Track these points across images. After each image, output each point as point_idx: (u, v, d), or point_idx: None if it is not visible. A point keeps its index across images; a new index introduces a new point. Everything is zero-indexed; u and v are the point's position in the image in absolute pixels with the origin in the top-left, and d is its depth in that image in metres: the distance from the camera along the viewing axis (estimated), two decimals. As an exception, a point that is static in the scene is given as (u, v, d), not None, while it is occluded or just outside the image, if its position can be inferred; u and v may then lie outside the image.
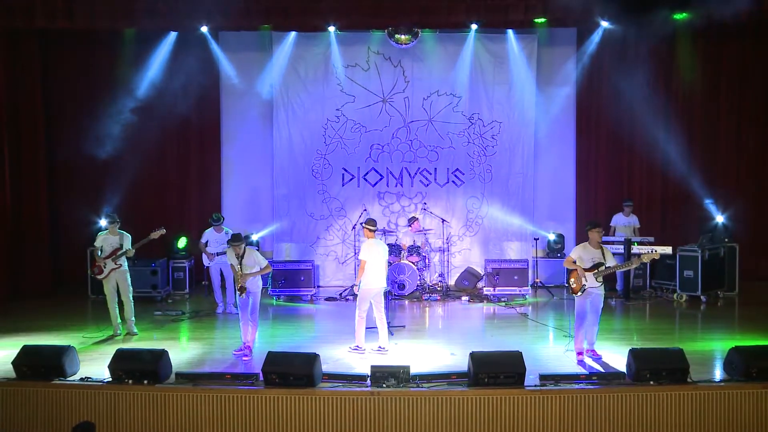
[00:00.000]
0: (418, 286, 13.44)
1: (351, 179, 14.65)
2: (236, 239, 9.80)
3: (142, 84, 13.90)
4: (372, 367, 8.34)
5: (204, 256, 12.43)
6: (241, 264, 9.74)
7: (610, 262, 9.34)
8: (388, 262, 13.03)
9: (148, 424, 8.17)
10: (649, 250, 11.50)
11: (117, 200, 13.75)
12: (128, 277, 10.95)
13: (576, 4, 12.18)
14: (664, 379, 8.22)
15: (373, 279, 9.82)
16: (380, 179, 14.65)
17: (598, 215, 13.95)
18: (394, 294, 13.13)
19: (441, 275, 14.07)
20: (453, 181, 14.65)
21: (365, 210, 14.09)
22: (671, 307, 12.74)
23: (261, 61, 14.46)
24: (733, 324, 11.88)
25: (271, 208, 14.72)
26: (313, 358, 8.34)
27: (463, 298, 13.32)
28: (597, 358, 9.37)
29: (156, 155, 14.56)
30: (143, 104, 13.91)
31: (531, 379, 8.26)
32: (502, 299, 13.02)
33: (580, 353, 9.49)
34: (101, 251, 10.84)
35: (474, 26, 13.88)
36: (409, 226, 13.85)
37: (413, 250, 13.54)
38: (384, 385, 8.16)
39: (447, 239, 14.05)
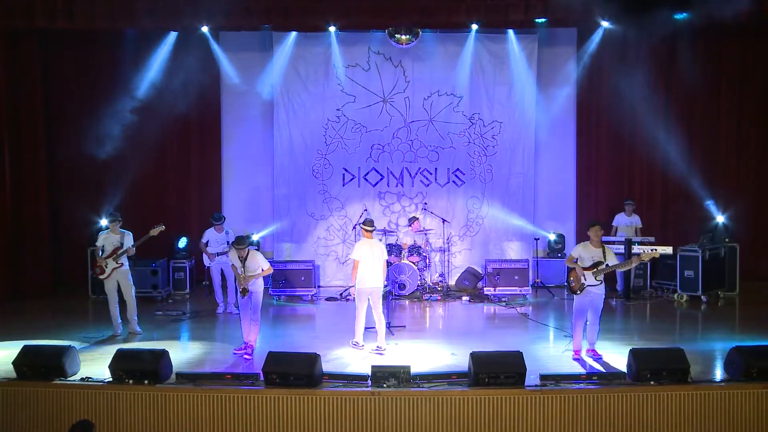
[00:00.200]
0: (418, 286, 13.44)
1: (351, 179, 14.65)
2: (240, 242, 9.79)
3: (143, 84, 13.90)
4: (372, 367, 8.35)
5: (204, 256, 12.43)
6: (244, 266, 9.74)
7: (611, 261, 9.34)
8: (388, 262, 13.10)
9: (149, 424, 8.17)
10: (648, 250, 11.49)
11: (117, 200, 13.76)
12: (130, 276, 10.95)
13: (576, 4, 12.19)
14: (664, 379, 8.22)
15: (365, 278, 9.95)
16: (381, 179, 14.65)
17: (599, 215, 13.95)
18: (395, 294, 13.14)
19: (441, 275, 14.07)
20: (453, 181, 14.65)
21: (365, 210, 14.09)
22: (672, 307, 12.74)
23: (261, 61, 14.47)
24: (733, 324, 11.88)
25: (271, 208, 14.72)
26: (313, 358, 8.34)
27: (464, 298, 13.33)
28: (597, 358, 9.37)
29: (156, 155, 14.56)
30: (143, 104, 13.92)
31: (531, 379, 8.26)
32: (503, 299, 13.02)
33: (577, 351, 9.53)
34: (102, 251, 10.83)
35: (474, 26, 13.88)
36: (410, 226, 13.85)
37: (414, 250, 13.53)
38: (384, 385, 8.16)
39: (447, 239, 14.05)
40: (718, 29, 13.35)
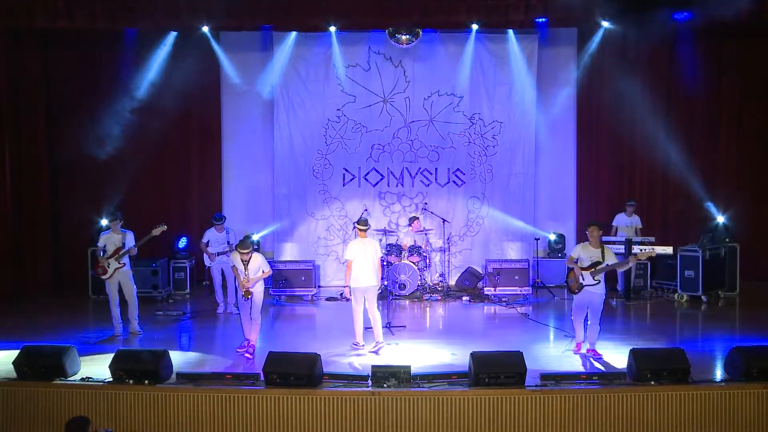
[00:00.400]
0: (418, 286, 13.44)
1: (352, 179, 14.66)
2: (244, 246, 9.75)
3: (143, 84, 13.91)
4: (373, 367, 8.35)
5: (205, 256, 12.43)
6: (246, 269, 9.75)
7: (610, 261, 9.35)
8: (389, 262, 13.13)
9: (149, 424, 8.17)
10: (645, 249, 11.47)
11: (118, 200, 13.72)
12: (131, 276, 10.94)
13: (577, 4, 12.18)
14: (665, 379, 8.22)
15: (359, 277, 10.00)
16: (381, 179, 14.65)
17: (599, 215, 13.94)
18: (395, 294, 13.14)
19: (442, 275, 14.07)
20: (454, 181, 14.65)
21: (366, 210, 14.09)
22: (672, 307, 12.73)
23: (262, 61, 14.47)
24: (733, 324, 11.88)
25: (271, 208, 14.73)
26: (313, 358, 8.34)
27: (464, 298, 13.32)
28: (598, 358, 9.37)
29: (157, 155, 14.56)
30: (144, 104, 13.93)
31: (532, 379, 8.26)
32: (503, 299, 13.02)
33: (579, 345, 9.62)
34: (104, 251, 10.82)
35: (475, 26, 13.88)
36: (410, 225, 13.85)
37: (414, 250, 13.53)
38: (385, 385, 8.16)
39: (448, 239, 14.05)
40: (719, 29, 13.33)
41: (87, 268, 13.57)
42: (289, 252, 14.58)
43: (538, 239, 14.29)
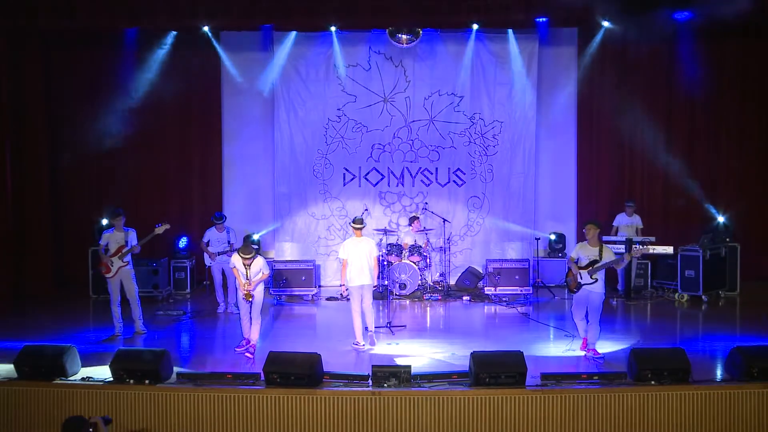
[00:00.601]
0: (419, 285, 13.44)
1: (352, 179, 14.66)
2: (246, 251, 9.72)
3: (144, 83, 13.93)
4: (373, 366, 8.35)
5: (205, 256, 12.44)
6: (248, 271, 9.75)
7: (607, 259, 9.37)
8: (389, 262, 13.14)
9: (150, 424, 8.17)
10: (638, 246, 11.45)
11: (118, 200, 13.70)
12: (133, 275, 10.93)
13: (577, 4, 12.18)
14: (665, 379, 8.22)
15: (354, 276, 10.10)
16: (381, 179, 14.65)
17: (599, 215, 13.92)
18: (396, 294, 13.14)
19: (442, 275, 14.06)
20: (454, 181, 14.65)
21: (366, 210, 14.08)
22: (672, 307, 12.73)
23: (262, 60, 14.47)
24: (734, 324, 11.89)
25: (272, 208, 14.73)
26: (314, 358, 8.34)
27: (465, 297, 13.32)
28: (598, 358, 9.37)
29: (157, 155, 14.59)
30: (144, 104, 13.95)
31: (532, 378, 8.26)
32: (504, 299, 13.02)
33: (585, 339, 9.66)
34: (107, 250, 10.81)
35: (475, 26, 13.88)
36: (410, 225, 13.85)
37: (414, 249, 13.53)
38: (385, 385, 8.16)
39: (448, 239, 14.04)
40: (720, 29, 13.32)
41: (88, 267, 13.58)
42: (290, 252, 14.59)
43: (539, 239, 14.29)
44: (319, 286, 13.83)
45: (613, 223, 13.60)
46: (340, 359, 9.44)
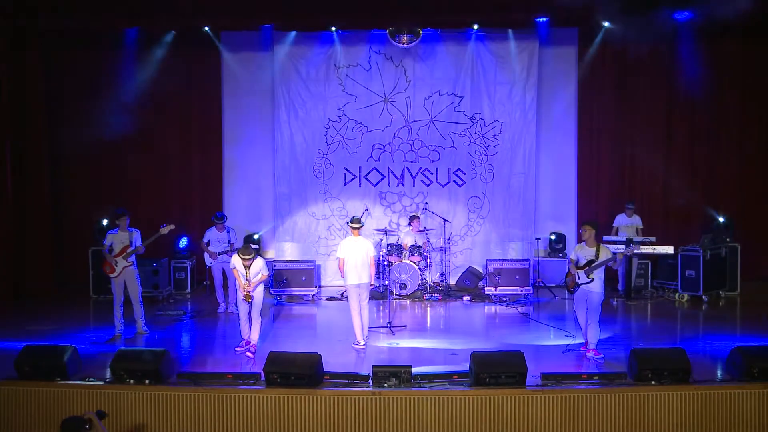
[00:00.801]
0: (419, 285, 13.44)
1: (352, 179, 14.66)
2: (246, 252, 9.73)
3: (144, 83, 13.93)
4: (373, 366, 8.36)
5: (206, 255, 12.44)
6: (248, 272, 9.75)
7: (602, 258, 9.39)
8: (389, 262, 13.14)
9: (150, 424, 8.18)
10: (631, 246, 11.44)
11: (119, 200, 13.69)
12: (137, 276, 10.93)
13: (577, 4, 12.17)
14: (665, 379, 8.22)
15: (351, 275, 10.19)
16: (382, 179, 14.65)
17: (600, 215, 13.95)
18: (396, 294, 13.14)
19: (442, 275, 14.06)
20: (454, 181, 14.65)
21: (366, 210, 14.08)
22: (673, 307, 12.73)
23: (262, 60, 14.48)
24: (734, 324, 11.88)
25: (272, 208, 14.73)
26: (314, 358, 8.35)
27: (465, 297, 13.32)
28: (599, 358, 9.37)
29: (157, 154, 14.59)
30: (145, 103, 13.96)
31: (533, 378, 8.26)
32: (504, 299, 13.02)
33: (584, 346, 9.64)
34: (111, 250, 10.80)
35: (475, 26, 13.89)
36: (410, 225, 13.84)
37: (415, 249, 13.53)
38: (385, 385, 8.16)
39: (448, 239, 14.04)
40: (720, 29, 13.31)
41: (88, 267, 13.58)
42: (290, 252, 14.58)
43: (539, 239, 14.29)
44: (320, 286, 13.82)
45: (613, 224, 13.59)
46: (340, 359, 9.44)
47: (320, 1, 12.82)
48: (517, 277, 13.13)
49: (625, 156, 14.67)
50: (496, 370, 8.16)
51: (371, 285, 10.57)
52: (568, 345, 10.01)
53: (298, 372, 8.18)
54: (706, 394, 8.06)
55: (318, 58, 14.43)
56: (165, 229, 10.89)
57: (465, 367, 8.51)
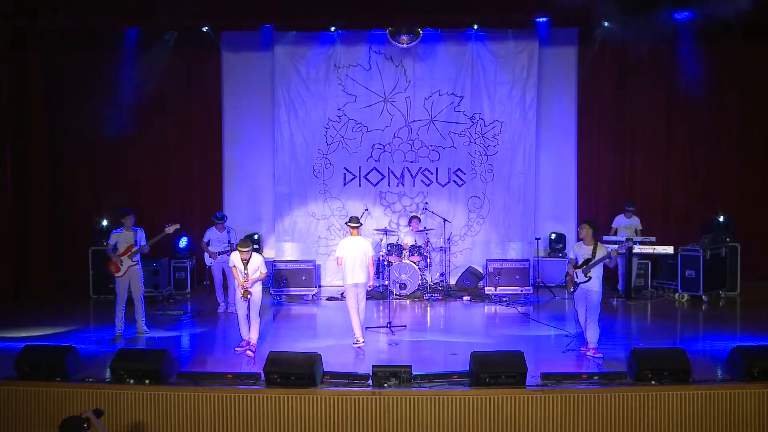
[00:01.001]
0: (419, 285, 13.43)
1: (352, 179, 14.66)
2: (245, 245, 9.79)
3: (144, 83, 13.91)
4: (373, 366, 8.36)
5: (206, 255, 12.44)
6: (246, 268, 9.76)
7: (598, 256, 9.42)
8: (389, 262, 13.14)
9: (150, 424, 8.18)
10: (629, 244, 11.44)
11: (119, 200, 13.70)
12: (142, 275, 10.95)
13: (577, 4, 12.17)
14: (665, 379, 8.23)
15: (349, 275, 10.25)
16: (382, 179, 14.65)
17: (599, 214, 13.95)
18: (396, 294, 13.14)
19: (442, 275, 14.06)
20: (454, 181, 14.65)
21: (366, 210, 14.09)
22: (673, 307, 12.73)
23: (262, 60, 14.48)
24: (734, 324, 11.88)
25: (272, 208, 14.73)
26: (314, 358, 8.35)
27: (465, 297, 13.32)
28: (598, 357, 9.38)
29: (157, 154, 14.60)
30: (145, 104, 13.94)
31: (533, 378, 8.26)
32: (504, 299, 13.01)
33: (584, 345, 9.65)
34: (116, 249, 10.79)
35: (475, 26, 13.88)
36: (410, 225, 13.85)
37: (415, 249, 13.52)
38: (385, 385, 8.17)
39: (448, 239, 14.04)
40: (720, 29, 13.29)
41: (88, 267, 13.57)
42: (290, 252, 14.58)
43: (539, 239, 14.29)
44: (320, 286, 13.82)
45: (612, 225, 13.58)
46: (340, 359, 9.44)
47: (320, 1, 12.81)
48: (517, 277, 13.13)
49: (625, 156, 14.66)
50: (496, 370, 8.16)
51: (371, 285, 10.57)
52: (568, 345, 10.01)
53: (298, 372, 8.18)
54: (706, 394, 8.07)
55: (318, 58, 14.43)
56: (170, 229, 10.90)
57: (465, 367, 8.51)
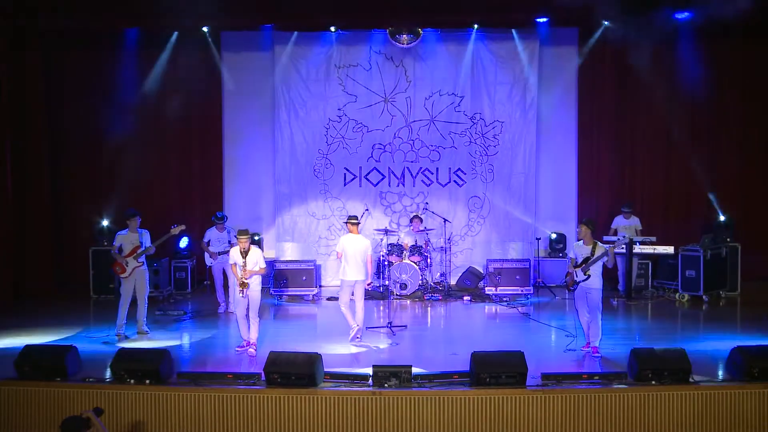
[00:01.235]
0: (419, 285, 13.43)
1: (353, 179, 14.65)
2: (244, 232, 9.83)
3: (144, 83, 13.93)
4: (374, 366, 8.35)
5: (206, 255, 12.44)
6: (244, 260, 9.76)
7: (596, 255, 9.48)
8: (389, 262, 13.13)
9: (150, 423, 8.18)
10: (616, 241, 11.45)
11: (119, 200, 13.73)
12: (147, 277, 10.96)
13: (577, 4, 12.17)
14: (666, 379, 8.22)
15: (347, 271, 10.30)
16: (382, 179, 14.65)
17: (600, 215, 13.95)
18: (396, 294, 13.14)
19: (443, 275, 14.06)
20: (455, 181, 14.65)
21: (367, 210, 14.09)
22: (673, 307, 12.73)
23: (263, 60, 14.49)
24: (735, 324, 11.88)
25: (272, 208, 14.73)
26: (314, 358, 8.34)
27: (465, 297, 13.32)
28: (599, 358, 9.38)
29: (158, 155, 14.59)
30: (145, 104, 13.97)
31: (533, 378, 8.25)
32: (504, 299, 13.01)
33: (586, 345, 9.68)
34: (121, 251, 10.79)
35: (476, 26, 13.88)
36: (410, 225, 13.85)
37: (415, 249, 13.53)
38: (386, 385, 8.16)
39: (449, 239, 14.04)
40: (720, 29, 13.31)
41: (88, 267, 13.57)
42: (290, 252, 14.58)
43: (539, 239, 14.29)
44: (320, 286, 13.82)
45: (612, 225, 13.58)
46: (340, 359, 9.44)
47: (320, 1, 12.81)
48: (518, 277, 13.14)
49: (625, 156, 14.66)
50: (496, 370, 8.15)
51: (370, 284, 10.61)
52: (568, 345, 10.01)
53: (299, 372, 8.18)
54: (707, 394, 8.06)
55: (318, 58, 14.43)
56: (176, 230, 10.93)
57: (465, 367, 8.51)
